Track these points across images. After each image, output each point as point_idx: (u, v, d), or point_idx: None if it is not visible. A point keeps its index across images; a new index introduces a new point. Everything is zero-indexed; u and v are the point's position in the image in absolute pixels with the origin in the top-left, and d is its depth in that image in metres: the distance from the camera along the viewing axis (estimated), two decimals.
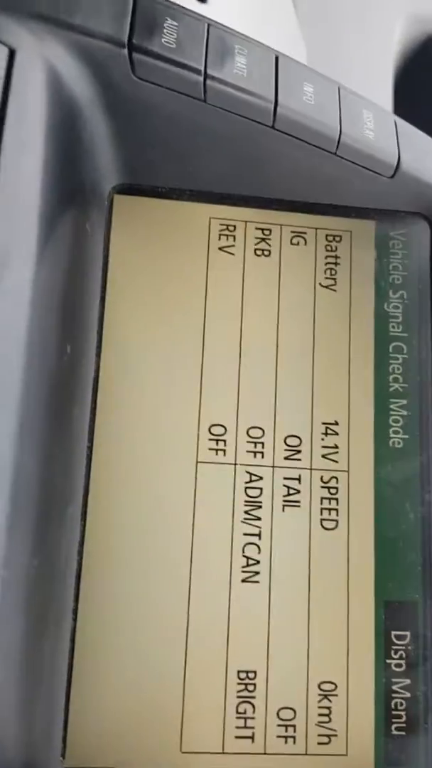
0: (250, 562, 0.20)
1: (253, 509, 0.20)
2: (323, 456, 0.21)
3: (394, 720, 0.20)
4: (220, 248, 0.22)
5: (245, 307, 0.22)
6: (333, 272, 0.22)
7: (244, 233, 0.22)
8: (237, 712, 0.19)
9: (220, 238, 0.22)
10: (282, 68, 0.20)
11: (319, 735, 0.19)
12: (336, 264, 0.22)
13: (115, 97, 0.20)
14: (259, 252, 0.22)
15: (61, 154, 0.19)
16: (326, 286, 0.22)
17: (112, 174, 0.21)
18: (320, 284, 0.22)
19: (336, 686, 0.20)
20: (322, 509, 0.21)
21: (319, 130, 0.20)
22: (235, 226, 0.22)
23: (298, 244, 0.22)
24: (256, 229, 0.22)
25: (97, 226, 0.21)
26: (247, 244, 0.22)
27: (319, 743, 0.19)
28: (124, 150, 0.21)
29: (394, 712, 0.20)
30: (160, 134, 0.20)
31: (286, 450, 0.21)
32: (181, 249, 0.22)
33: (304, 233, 0.22)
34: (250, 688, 0.19)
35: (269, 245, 0.22)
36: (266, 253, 0.22)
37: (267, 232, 0.22)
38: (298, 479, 0.21)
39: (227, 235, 0.22)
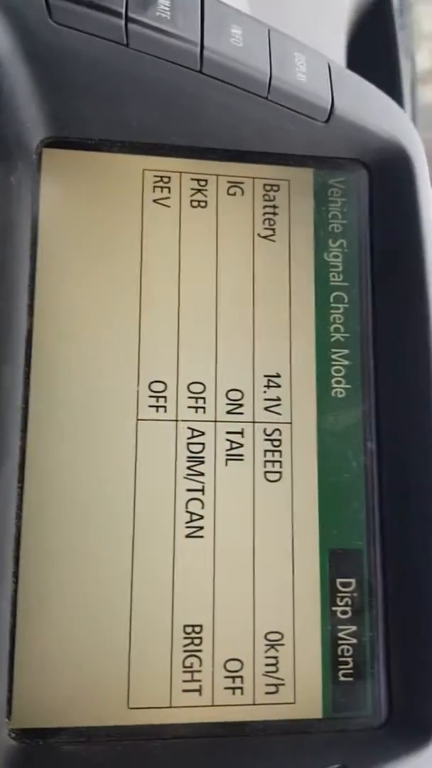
0: (194, 517, 0.20)
1: (196, 465, 0.20)
2: (266, 408, 0.21)
3: (341, 667, 0.20)
4: (154, 200, 0.21)
5: (182, 260, 0.21)
6: (271, 222, 0.22)
7: (179, 184, 0.22)
8: (184, 666, 0.19)
9: (154, 190, 0.21)
10: (208, 10, 0.20)
11: (267, 685, 0.20)
12: (274, 214, 0.22)
13: (33, 45, 0.19)
14: (195, 203, 0.22)
15: None
16: (265, 237, 0.22)
17: (38, 127, 0.20)
18: (259, 235, 0.22)
19: (282, 636, 0.20)
20: (265, 462, 0.21)
21: (248, 73, 0.20)
22: (169, 178, 0.21)
23: (235, 194, 0.22)
24: (192, 180, 0.22)
25: (24, 181, 0.20)
26: (182, 195, 0.21)
27: (267, 693, 0.20)
28: (49, 101, 0.20)
29: (340, 659, 0.20)
30: (85, 82, 0.20)
31: (227, 404, 0.21)
32: (114, 202, 0.21)
33: (241, 183, 0.22)
34: (197, 641, 0.19)
35: (205, 196, 0.22)
36: (202, 204, 0.22)
37: (203, 183, 0.22)
38: (241, 433, 0.21)
39: (162, 187, 0.21)
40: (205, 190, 0.22)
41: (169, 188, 0.21)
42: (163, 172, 0.21)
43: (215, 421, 0.21)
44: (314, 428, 0.21)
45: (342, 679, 0.20)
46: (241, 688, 0.19)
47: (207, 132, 0.21)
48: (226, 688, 0.19)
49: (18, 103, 0.19)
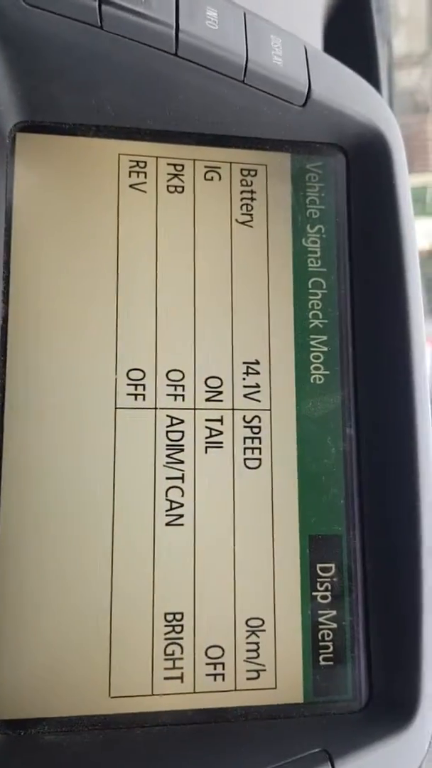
0: (174, 505, 0.20)
1: (176, 452, 0.20)
2: (245, 396, 0.21)
3: (321, 651, 0.20)
4: (131, 186, 0.21)
5: (160, 246, 0.21)
6: (249, 208, 0.22)
7: (156, 169, 0.21)
8: (165, 654, 0.19)
9: (130, 175, 0.21)
10: None
11: (248, 671, 0.20)
12: (252, 199, 0.22)
13: (5, 27, 0.18)
14: (171, 188, 0.21)
15: None
16: (243, 222, 0.22)
17: (11, 111, 0.20)
18: (236, 220, 0.22)
19: (263, 622, 0.20)
20: (245, 449, 0.21)
21: (224, 56, 0.19)
22: (145, 163, 0.21)
23: (212, 179, 0.22)
24: (168, 164, 0.21)
25: None
26: (159, 180, 0.21)
27: (248, 678, 0.20)
28: (22, 84, 0.20)
29: (321, 644, 0.20)
30: (58, 65, 0.19)
31: (207, 391, 0.21)
32: (90, 188, 0.21)
33: (218, 168, 0.22)
34: (178, 629, 0.19)
35: (182, 181, 0.21)
36: (179, 189, 0.21)
37: (179, 168, 0.21)
38: (220, 420, 0.21)
39: (138, 172, 0.21)
40: (182, 175, 0.21)
41: (145, 173, 0.21)
42: (139, 156, 0.21)
43: (194, 409, 0.20)
44: (293, 415, 0.21)
45: (322, 663, 0.20)
46: (222, 674, 0.19)
47: (183, 116, 0.21)
48: (208, 675, 0.19)
49: None
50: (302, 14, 0.43)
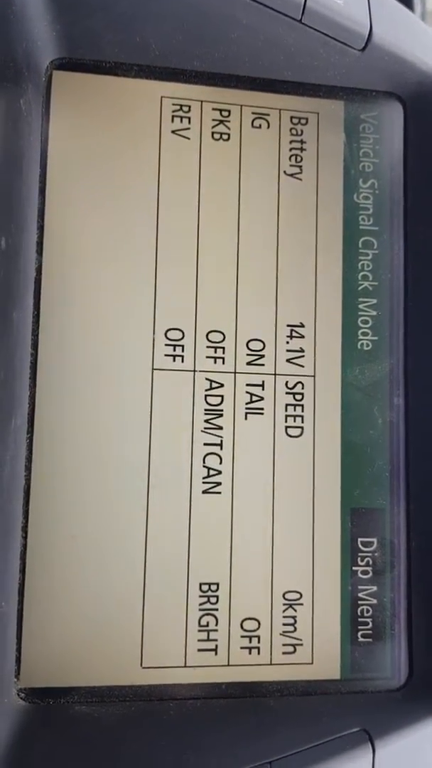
0: (212, 472, 0.19)
1: (214, 418, 0.19)
2: (288, 360, 0.20)
3: (360, 627, 0.19)
4: (173, 131, 0.20)
5: (202, 197, 0.20)
6: (298, 159, 0.20)
7: (200, 114, 0.20)
8: (199, 625, 0.19)
9: (173, 120, 0.20)
10: None
11: (284, 645, 0.19)
12: (302, 150, 0.20)
13: None
14: (216, 135, 0.20)
15: None
16: (291, 175, 0.20)
17: (49, 46, 0.19)
18: (285, 172, 0.20)
19: (301, 595, 0.19)
20: (286, 416, 0.20)
21: None
22: (189, 107, 0.20)
23: (260, 126, 0.20)
24: (214, 110, 0.20)
25: (34, 105, 0.18)
26: (203, 126, 0.20)
27: (284, 653, 0.19)
28: (62, 17, 0.18)
29: (360, 620, 0.19)
30: None
31: (248, 355, 0.20)
32: (129, 132, 0.19)
33: (267, 115, 0.20)
34: (213, 600, 0.19)
35: (228, 128, 0.20)
36: (225, 136, 0.20)
37: (225, 114, 0.20)
38: (262, 385, 0.20)
39: (181, 117, 0.20)
40: (228, 121, 0.20)
41: (189, 118, 0.20)
42: (182, 100, 0.20)
43: (235, 373, 0.19)
44: (338, 382, 0.20)
45: (361, 639, 0.19)
46: (257, 647, 0.19)
47: (233, 57, 0.19)
48: (243, 648, 0.19)
49: (29, 18, 0.18)
50: None
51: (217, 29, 0.19)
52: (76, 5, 0.18)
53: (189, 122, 0.20)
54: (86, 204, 0.19)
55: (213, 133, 0.20)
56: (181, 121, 0.20)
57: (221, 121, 0.20)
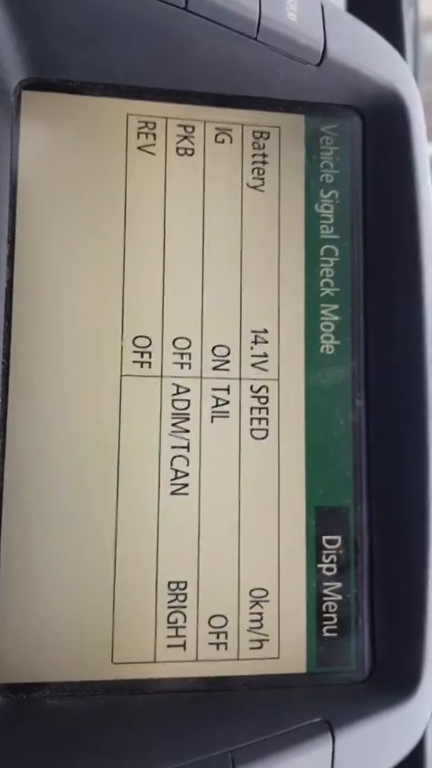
0: (179, 474, 0.20)
1: (181, 421, 0.20)
2: (252, 365, 0.21)
3: (325, 623, 0.20)
4: (139, 147, 0.20)
5: (168, 210, 0.20)
6: (261, 171, 0.21)
7: (165, 131, 0.21)
8: (168, 622, 0.19)
9: (139, 137, 0.20)
10: None
11: (251, 640, 0.20)
12: (264, 163, 0.21)
13: None
14: (181, 151, 0.21)
15: None
16: (254, 187, 0.21)
17: (16, 67, 0.19)
18: (247, 184, 0.21)
19: (267, 592, 0.20)
20: (252, 419, 0.20)
21: (236, 11, 0.19)
22: (155, 123, 0.21)
23: (223, 141, 0.21)
24: (178, 126, 0.21)
25: (3, 125, 0.19)
26: (168, 142, 0.21)
27: (251, 648, 0.20)
28: (28, 40, 0.19)
29: (325, 615, 0.20)
30: (65, 20, 0.19)
31: (214, 360, 0.20)
32: (97, 149, 0.20)
33: (230, 130, 0.21)
34: (181, 598, 0.19)
35: (192, 143, 0.21)
36: (189, 152, 0.21)
37: (189, 129, 0.21)
38: (227, 389, 0.20)
39: (147, 133, 0.21)
40: (192, 136, 0.21)
41: (154, 134, 0.21)
42: (148, 117, 0.21)
43: (201, 378, 0.20)
44: (302, 385, 0.21)
45: (326, 634, 0.20)
46: (225, 643, 0.19)
47: (194, 75, 0.20)
48: (211, 644, 0.19)
49: None
50: None
51: (177, 48, 0.19)
52: (41, 28, 0.19)
53: (154, 138, 0.21)
54: (55, 218, 0.20)
55: (178, 148, 0.21)
56: (147, 137, 0.20)
57: (185, 137, 0.21)
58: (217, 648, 0.19)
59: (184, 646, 0.19)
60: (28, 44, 0.19)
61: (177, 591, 0.19)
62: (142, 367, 0.20)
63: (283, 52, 0.20)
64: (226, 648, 0.19)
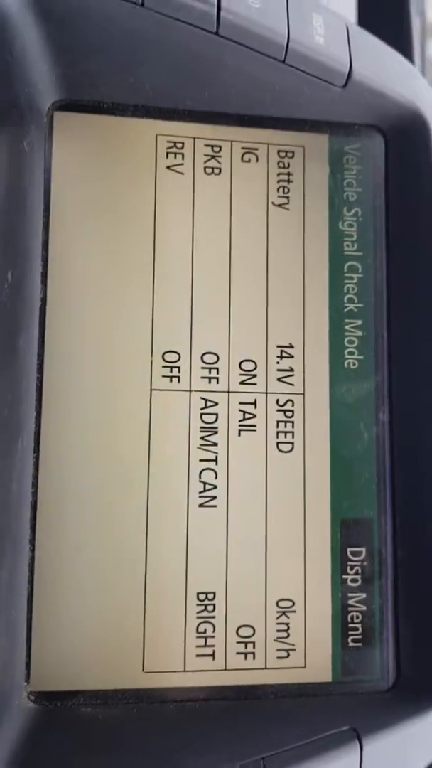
0: (207, 487, 0.20)
1: (209, 435, 0.20)
2: (278, 379, 0.21)
3: (350, 633, 0.20)
4: (168, 167, 0.21)
5: (196, 228, 0.21)
6: (286, 190, 0.22)
7: (193, 150, 0.21)
8: (197, 632, 0.20)
9: (167, 156, 0.21)
10: None
11: (278, 650, 0.20)
12: (289, 181, 0.22)
13: (46, 3, 0.18)
14: (209, 170, 0.21)
15: None
16: (279, 205, 0.21)
17: (50, 89, 0.20)
18: (273, 203, 0.21)
19: (293, 603, 0.20)
20: (278, 432, 0.21)
21: (266, 36, 0.19)
22: (183, 143, 0.21)
23: (249, 161, 0.21)
24: (206, 146, 0.21)
25: (37, 145, 0.20)
26: (196, 162, 0.21)
27: (278, 657, 0.20)
28: (61, 62, 0.19)
29: (350, 626, 0.20)
30: (98, 43, 0.19)
31: (241, 375, 0.21)
32: (127, 168, 0.21)
33: (256, 149, 0.21)
34: (210, 608, 0.20)
35: (219, 163, 0.21)
36: (216, 171, 0.21)
37: (217, 149, 0.21)
38: (254, 404, 0.21)
39: (175, 153, 0.21)
40: (219, 156, 0.21)
41: (182, 154, 0.21)
42: (176, 137, 0.21)
43: (228, 392, 0.21)
44: (327, 399, 0.21)
45: (351, 644, 0.20)
46: (253, 653, 0.20)
47: (222, 96, 0.21)
48: (239, 653, 0.20)
49: (30, 63, 0.19)
50: None
51: (206, 71, 0.20)
52: (74, 50, 0.19)
53: (183, 158, 0.21)
54: (87, 236, 0.20)
55: (205, 167, 0.21)
56: (175, 157, 0.21)
57: (213, 156, 0.21)
58: (245, 657, 0.20)
59: (212, 655, 0.20)
60: (61, 66, 0.19)
61: (206, 601, 0.20)
62: (171, 381, 0.20)
63: (309, 74, 0.20)
64: (253, 657, 0.20)
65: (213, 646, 0.20)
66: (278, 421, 0.21)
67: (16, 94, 0.19)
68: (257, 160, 0.21)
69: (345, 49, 0.20)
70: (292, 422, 0.21)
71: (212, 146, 0.21)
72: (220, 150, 0.21)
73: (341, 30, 0.20)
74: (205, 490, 0.20)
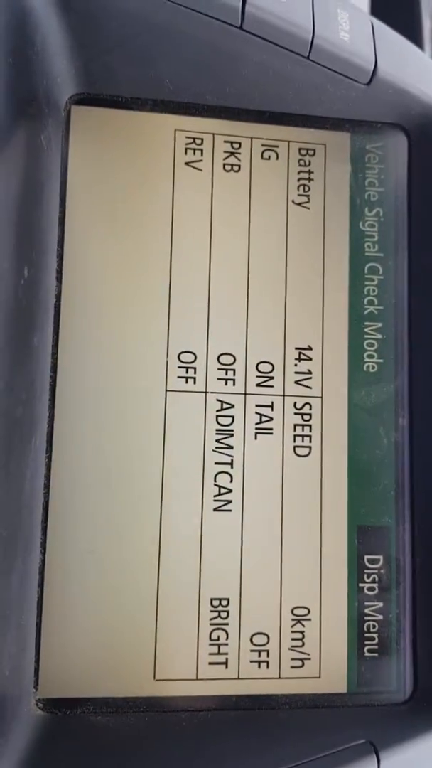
0: (222, 490, 0.20)
1: (225, 438, 0.20)
2: (296, 382, 0.20)
3: (366, 642, 0.20)
4: (186, 163, 0.21)
5: (214, 226, 0.20)
6: (306, 189, 0.21)
7: (212, 147, 0.21)
8: (210, 639, 0.19)
9: (186, 153, 0.21)
10: None
11: (293, 659, 0.20)
12: (309, 180, 0.21)
13: None
14: (228, 167, 0.21)
15: (10, 60, 0.17)
16: (299, 204, 0.21)
17: (68, 82, 0.20)
18: (293, 201, 0.21)
19: (309, 611, 0.20)
20: (295, 436, 0.20)
21: (291, 31, 0.19)
22: (202, 140, 0.21)
23: (269, 158, 0.21)
24: (225, 142, 0.21)
25: (54, 139, 0.19)
26: (215, 158, 0.21)
27: (292, 667, 0.20)
28: (80, 55, 0.19)
29: (366, 635, 0.20)
30: (118, 36, 0.19)
31: (258, 377, 0.20)
32: (145, 164, 0.20)
33: (276, 147, 0.21)
34: (223, 615, 0.19)
35: (239, 160, 0.21)
36: (236, 168, 0.21)
37: (236, 146, 0.21)
38: (271, 406, 0.20)
39: (194, 149, 0.21)
40: (239, 153, 0.21)
41: (201, 150, 0.21)
42: (195, 133, 0.21)
43: (245, 394, 0.20)
44: (345, 403, 0.21)
45: (367, 654, 0.20)
46: (267, 661, 0.19)
47: (243, 92, 0.20)
48: (252, 662, 0.19)
49: (50, 57, 0.18)
50: None
51: (228, 66, 0.20)
52: (94, 43, 0.19)
53: (201, 154, 0.21)
54: (103, 233, 0.20)
55: (224, 164, 0.21)
56: (194, 153, 0.21)
57: (232, 153, 0.21)
58: (259, 666, 0.19)
59: (225, 663, 0.19)
60: (81, 59, 0.19)
61: (219, 608, 0.19)
62: (186, 382, 0.20)
63: (333, 70, 0.20)
64: (267, 666, 0.19)
65: (226, 654, 0.19)
66: (295, 425, 0.20)
67: (35, 87, 0.18)
68: (277, 157, 0.21)
69: (370, 46, 0.20)
70: (310, 426, 0.20)
71: (232, 143, 0.21)
72: (240, 147, 0.21)
73: (366, 26, 0.20)
74: (220, 494, 0.20)
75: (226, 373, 0.20)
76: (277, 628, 0.20)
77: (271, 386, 0.20)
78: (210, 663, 0.19)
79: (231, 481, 0.20)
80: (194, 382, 0.20)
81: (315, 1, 0.19)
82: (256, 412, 0.20)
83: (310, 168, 0.21)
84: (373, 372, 0.21)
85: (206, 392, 0.20)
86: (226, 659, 0.19)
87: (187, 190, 0.20)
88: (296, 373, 0.20)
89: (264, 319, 0.20)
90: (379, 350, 0.21)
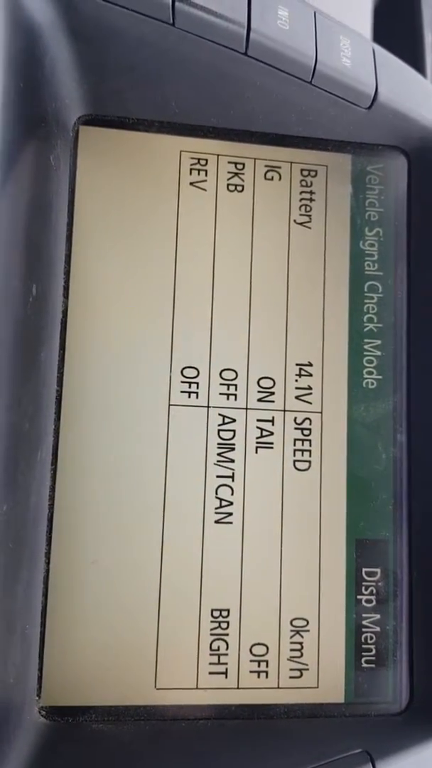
0: (223, 503, 0.20)
1: (226, 451, 0.20)
2: (297, 397, 0.21)
3: (364, 654, 0.20)
4: (191, 183, 0.21)
5: (218, 245, 0.21)
6: (308, 209, 0.22)
7: (216, 167, 0.21)
8: (210, 649, 0.20)
9: (191, 173, 0.21)
10: None
11: (291, 669, 0.20)
12: (311, 200, 0.22)
13: (77, 20, 0.18)
14: (231, 187, 0.21)
15: (21, 82, 0.18)
16: (301, 223, 0.22)
17: (77, 104, 0.20)
18: (295, 221, 0.22)
19: (307, 622, 0.20)
20: (295, 450, 0.21)
21: (294, 57, 0.19)
22: (206, 160, 0.21)
23: (272, 179, 0.22)
24: (229, 163, 0.21)
25: (62, 159, 0.20)
26: (219, 178, 0.21)
27: (291, 677, 0.20)
28: (89, 77, 0.20)
29: (364, 646, 0.20)
30: (127, 60, 0.19)
31: (259, 392, 0.21)
32: (150, 184, 0.21)
33: (279, 168, 0.22)
34: (224, 625, 0.20)
35: (242, 180, 0.21)
36: (239, 188, 0.21)
37: (240, 167, 0.21)
38: (271, 421, 0.21)
39: (199, 170, 0.21)
40: (242, 173, 0.21)
41: (206, 171, 0.21)
42: (200, 154, 0.21)
43: (246, 409, 0.21)
44: (344, 418, 0.21)
45: (365, 665, 0.20)
46: (266, 671, 0.20)
47: (247, 115, 0.21)
48: (252, 672, 0.20)
49: (58, 79, 0.19)
50: (353, 4, 0.42)
51: (232, 90, 0.20)
52: (104, 66, 0.19)
53: (206, 175, 0.21)
54: (109, 251, 0.20)
55: (228, 184, 0.21)
56: (199, 173, 0.21)
57: (236, 174, 0.21)
58: (258, 676, 0.20)
59: (225, 673, 0.20)
60: (89, 82, 0.20)
61: (220, 618, 0.20)
62: (189, 397, 0.20)
63: (335, 95, 0.20)
64: (266, 676, 0.20)
65: (226, 663, 0.20)
66: (295, 439, 0.21)
67: (44, 108, 0.19)
68: (280, 178, 0.22)
69: (371, 71, 0.20)
70: (310, 440, 0.21)
71: (235, 163, 0.21)
72: (244, 167, 0.21)
73: (368, 52, 0.20)
74: (221, 507, 0.20)
75: (228, 388, 0.21)
76: (276, 639, 0.20)
77: (272, 401, 0.21)
78: (210, 672, 0.20)
79: (232, 494, 0.20)
80: (197, 397, 0.20)
81: (318, 27, 0.20)
82: (257, 427, 0.21)
83: (312, 188, 0.22)
84: (372, 388, 0.21)
85: (208, 407, 0.20)
86: (226, 669, 0.20)
87: (192, 209, 0.21)
88: (297, 388, 0.21)
89: (265, 336, 0.21)
90: (378, 367, 0.21)
